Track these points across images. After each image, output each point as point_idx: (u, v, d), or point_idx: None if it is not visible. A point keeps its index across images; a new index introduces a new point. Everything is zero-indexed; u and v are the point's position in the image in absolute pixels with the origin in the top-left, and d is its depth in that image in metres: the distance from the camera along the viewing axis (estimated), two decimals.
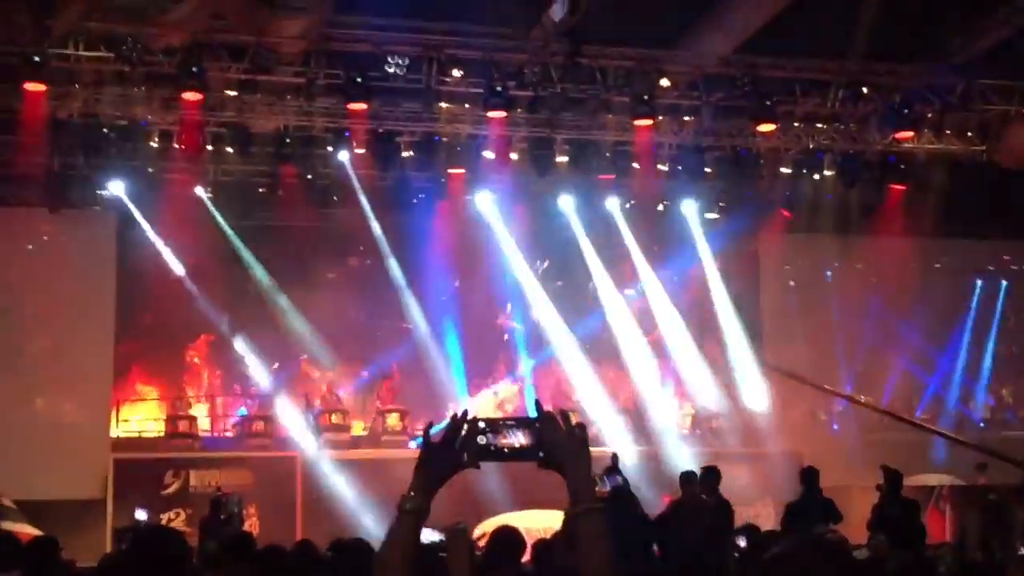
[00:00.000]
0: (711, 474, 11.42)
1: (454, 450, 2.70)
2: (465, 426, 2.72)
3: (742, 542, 7.91)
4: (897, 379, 20.50)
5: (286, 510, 16.76)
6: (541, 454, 2.70)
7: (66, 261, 17.69)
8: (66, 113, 15.60)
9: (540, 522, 15.06)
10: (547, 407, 2.72)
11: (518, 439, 2.73)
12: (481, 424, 2.74)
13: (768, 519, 16.42)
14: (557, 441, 2.67)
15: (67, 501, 16.00)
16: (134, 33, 14.42)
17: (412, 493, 2.68)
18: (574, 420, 2.72)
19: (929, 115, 17.43)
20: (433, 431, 2.78)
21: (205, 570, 8.44)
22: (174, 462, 17.05)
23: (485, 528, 13.61)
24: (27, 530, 11.93)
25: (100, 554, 13.94)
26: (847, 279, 20.78)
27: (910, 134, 17.37)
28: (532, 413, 2.77)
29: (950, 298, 21.09)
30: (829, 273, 20.77)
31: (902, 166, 18.28)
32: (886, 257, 20.02)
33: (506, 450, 2.72)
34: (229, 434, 18.56)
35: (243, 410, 18.90)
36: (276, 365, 19.15)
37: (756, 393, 19.96)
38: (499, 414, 18.38)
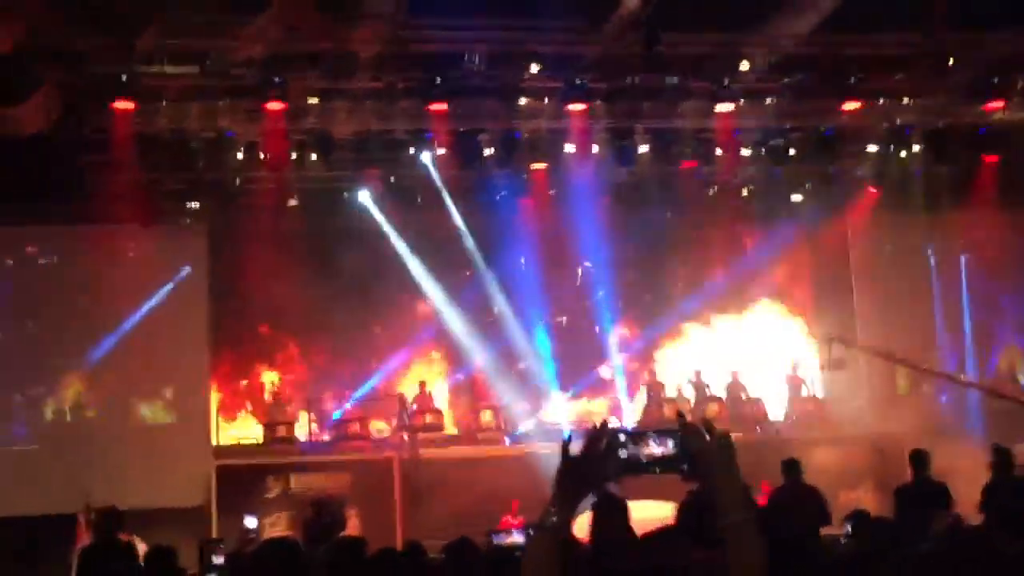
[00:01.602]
0: (793, 466, 11.23)
1: (595, 464, 2.66)
2: (605, 438, 2.68)
3: (848, 527, 7.74)
4: (1002, 354, 20.08)
5: (386, 511, 16.85)
6: (685, 466, 2.65)
7: (158, 275, 17.97)
8: (153, 129, 15.87)
9: (646, 513, 14.93)
10: (687, 417, 2.67)
11: (661, 450, 2.68)
12: (622, 437, 2.70)
13: (870, 504, 16.12)
14: (702, 451, 2.62)
15: (171, 509, 16.24)
16: (215, 47, 14.64)
17: (552, 508, 2.64)
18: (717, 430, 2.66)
19: (1019, 83, 17.01)
20: (571, 441, 2.73)
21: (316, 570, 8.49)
22: (274, 467, 17.25)
23: (583, 520, 13.54)
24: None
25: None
26: (942, 255, 20.36)
27: (1000, 104, 16.97)
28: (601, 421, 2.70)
29: None
30: (930, 251, 20.32)
31: (993, 137, 17.86)
32: (981, 231, 19.56)
33: (649, 462, 2.67)
34: (326, 438, 18.72)
35: (338, 413, 19.05)
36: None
37: (851, 375, 19.67)
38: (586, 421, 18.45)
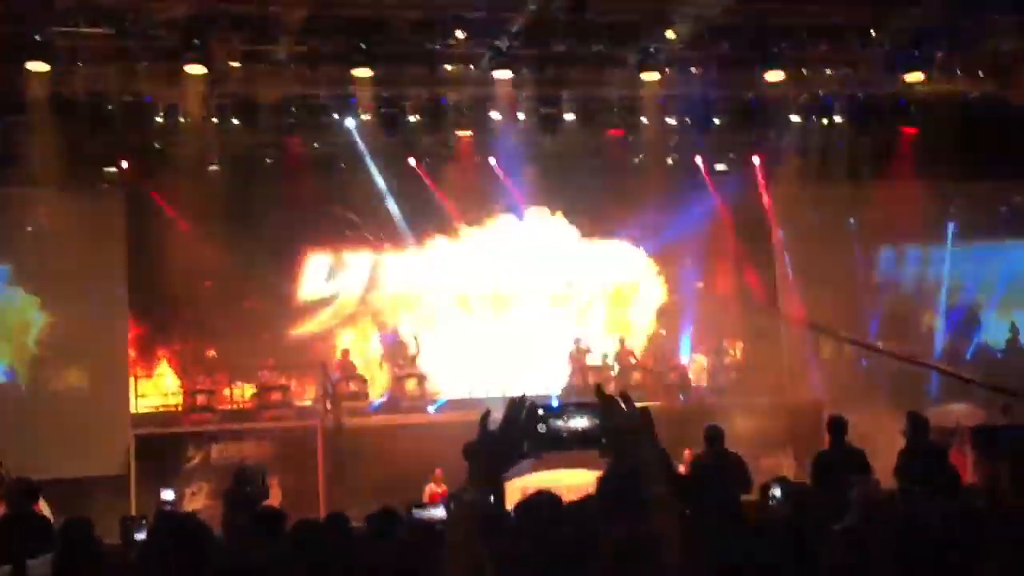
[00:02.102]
0: (714, 433, 11.30)
1: (513, 439, 2.62)
2: (524, 413, 2.64)
3: (777, 492, 7.81)
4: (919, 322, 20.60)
5: (308, 481, 16.74)
6: (604, 440, 2.62)
7: (75, 240, 17.61)
8: (70, 91, 15.48)
9: (570, 481, 14.99)
10: (608, 391, 2.64)
11: (581, 425, 2.64)
12: (541, 411, 2.65)
13: (790, 470, 16.39)
14: (620, 426, 2.59)
15: (89, 478, 16.00)
16: (134, 7, 14.30)
17: (470, 483, 2.59)
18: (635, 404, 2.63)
19: (938, 55, 17.23)
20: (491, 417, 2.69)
21: (234, 545, 8.40)
22: (195, 436, 17.05)
23: (511, 490, 13.56)
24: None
25: None
26: (862, 225, 20.70)
27: (920, 76, 17.16)
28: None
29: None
30: (852, 220, 20.64)
31: (913, 108, 18.10)
32: (901, 202, 19.88)
33: (567, 437, 2.64)
34: (248, 406, 18.53)
35: (260, 381, 18.84)
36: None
37: (773, 342, 19.96)
38: None
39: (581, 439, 2.63)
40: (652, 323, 20.76)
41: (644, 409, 2.64)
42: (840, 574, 4.43)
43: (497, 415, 2.67)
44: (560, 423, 2.64)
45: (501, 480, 2.60)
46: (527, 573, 2.98)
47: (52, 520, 9.16)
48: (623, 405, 2.60)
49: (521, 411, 2.64)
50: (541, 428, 2.63)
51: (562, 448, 2.63)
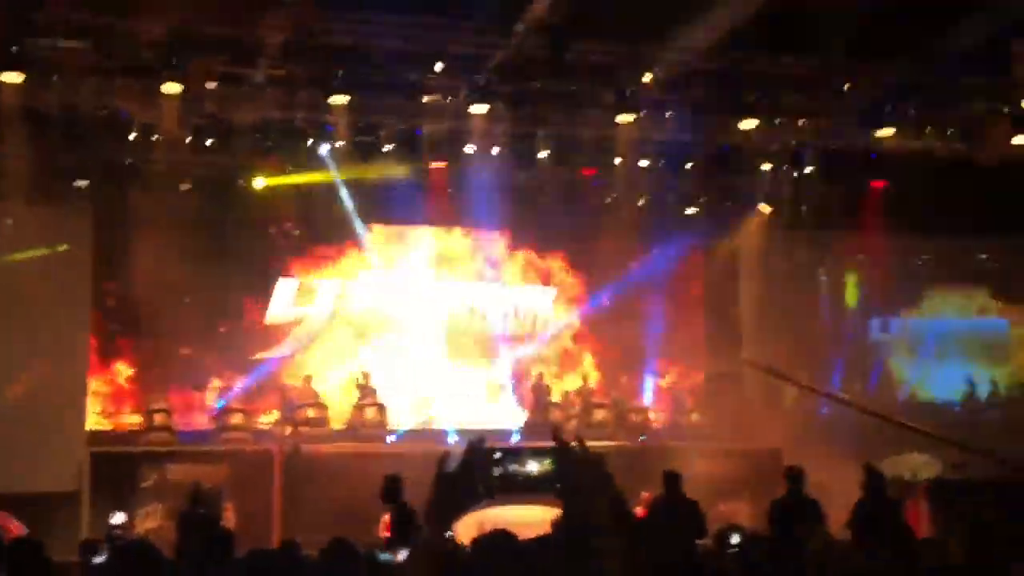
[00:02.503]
0: (672, 478, 11.32)
1: (472, 480, 2.64)
2: (482, 455, 2.67)
3: (735, 539, 7.82)
4: (881, 371, 20.79)
5: (263, 505, 16.60)
6: (558, 485, 2.65)
7: (40, 252, 17.48)
8: (43, 104, 15.41)
9: (527, 518, 14.98)
10: (563, 436, 2.66)
11: (537, 468, 2.68)
12: (497, 454, 2.69)
13: (745, 516, 16.42)
14: (574, 472, 2.61)
15: (42, 494, 15.81)
16: (115, 24, 14.29)
17: (425, 527, 2.61)
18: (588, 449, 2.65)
19: (909, 112, 17.49)
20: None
21: (185, 569, 8.32)
22: (150, 456, 16.88)
23: (467, 525, 13.51)
24: (11, 522, 11.80)
25: (76, 549, 13.95)
26: (831, 274, 20.94)
27: (891, 131, 17.40)
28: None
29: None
30: (820, 269, 20.88)
31: (883, 163, 18.33)
32: (868, 252, 20.15)
33: (522, 481, 2.67)
34: (207, 428, 18.41)
35: (221, 402, 18.75)
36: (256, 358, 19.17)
37: (732, 388, 20.06)
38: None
39: (535, 484, 2.69)
40: (615, 362, 20.80)
41: (599, 456, 2.67)
42: None
43: (456, 456, 2.70)
44: (516, 467, 2.69)
45: (454, 520, 2.62)
46: None
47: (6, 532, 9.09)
48: (578, 451, 2.63)
49: (479, 454, 2.67)
50: (497, 471, 2.68)
51: (517, 490, 2.67)
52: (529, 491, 2.85)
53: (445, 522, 2.60)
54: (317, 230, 19.54)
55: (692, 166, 18.29)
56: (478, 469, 2.66)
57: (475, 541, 5.80)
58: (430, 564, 2.54)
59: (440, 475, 2.63)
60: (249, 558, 6.23)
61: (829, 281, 20.96)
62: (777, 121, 17.64)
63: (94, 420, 18.21)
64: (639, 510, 12.58)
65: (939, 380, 21.57)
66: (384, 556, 5.96)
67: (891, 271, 20.67)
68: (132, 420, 18.36)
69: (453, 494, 2.61)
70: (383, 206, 19.09)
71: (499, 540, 5.45)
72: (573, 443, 2.66)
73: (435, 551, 2.56)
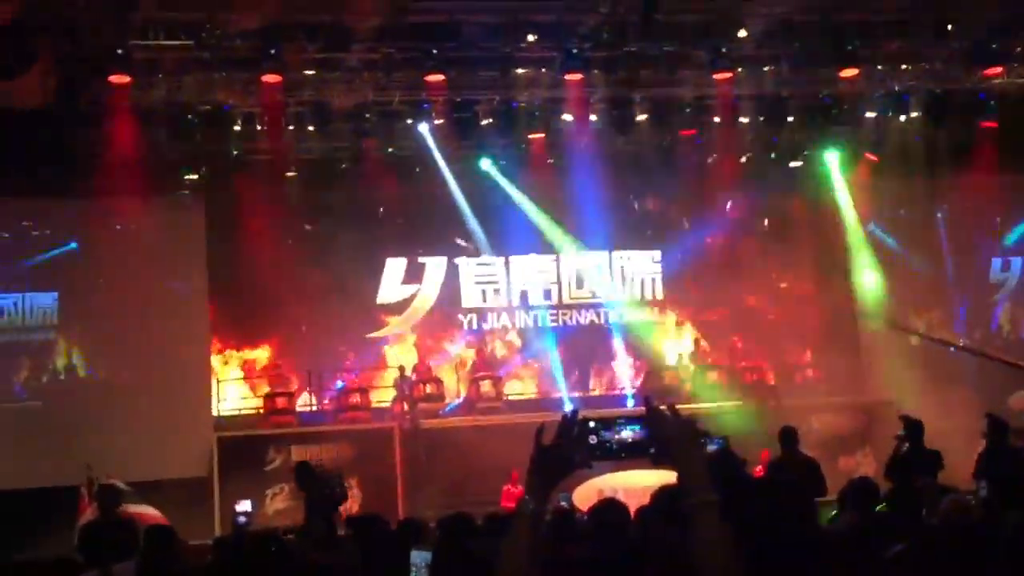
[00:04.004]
0: (789, 435, 11.19)
1: (567, 450, 2.72)
2: (576, 426, 2.74)
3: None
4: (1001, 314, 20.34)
5: (387, 482, 16.96)
6: (652, 449, 2.71)
7: (158, 246, 18.02)
8: (150, 102, 15.86)
9: (642, 482, 14.99)
10: (655, 402, 2.72)
11: (630, 436, 2.74)
12: (591, 423, 2.76)
13: (869, 468, 16.23)
14: (667, 435, 2.67)
15: (174, 480, 16.32)
16: (210, 20, 14.63)
17: (527, 497, 2.69)
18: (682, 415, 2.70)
19: (1017, 49, 16.97)
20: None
21: (311, 549, 8.58)
22: (275, 438, 17.34)
23: (584, 492, 13.60)
24: (148, 511, 12.21)
25: (209, 531, 14.43)
26: (943, 219, 20.47)
27: (999, 70, 16.91)
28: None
29: None
30: (940, 215, 20.41)
31: (992, 103, 17.83)
32: (980, 197, 19.61)
33: (617, 447, 2.74)
34: (327, 408, 18.82)
35: (340, 383, 19.14)
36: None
37: (847, 342, 19.78)
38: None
39: (630, 449, 2.74)
40: (724, 323, 20.64)
41: (690, 418, 2.72)
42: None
43: (550, 428, 2.78)
44: (610, 434, 2.74)
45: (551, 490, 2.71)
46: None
47: (143, 522, 9.46)
48: (670, 416, 2.69)
49: (573, 425, 2.75)
50: (592, 440, 2.74)
51: (612, 458, 2.74)
52: (625, 455, 2.91)
53: (543, 493, 2.69)
54: (421, 209, 19.67)
55: (793, 120, 17.95)
56: (573, 439, 2.74)
57: (591, 508, 5.91)
58: (527, 536, 2.62)
59: (538, 446, 2.71)
60: (364, 532, 6.41)
61: (945, 223, 20.43)
62: (879, 67, 17.25)
63: (219, 406, 18.72)
64: (758, 469, 12.52)
65: None
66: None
67: (1008, 211, 20.12)
68: (255, 404, 18.81)
69: (550, 465, 2.69)
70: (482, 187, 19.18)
71: (611, 506, 5.57)
72: (663, 407, 2.71)
73: (533, 523, 2.64)
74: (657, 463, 2.66)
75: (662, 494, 4.32)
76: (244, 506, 14.34)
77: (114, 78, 14.78)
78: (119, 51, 14.46)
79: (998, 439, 10.17)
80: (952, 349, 18.91)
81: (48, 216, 17.94)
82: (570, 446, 2.71)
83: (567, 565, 3.02)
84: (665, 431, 2.66)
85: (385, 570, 5.39)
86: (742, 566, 2.48)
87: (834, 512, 7.13)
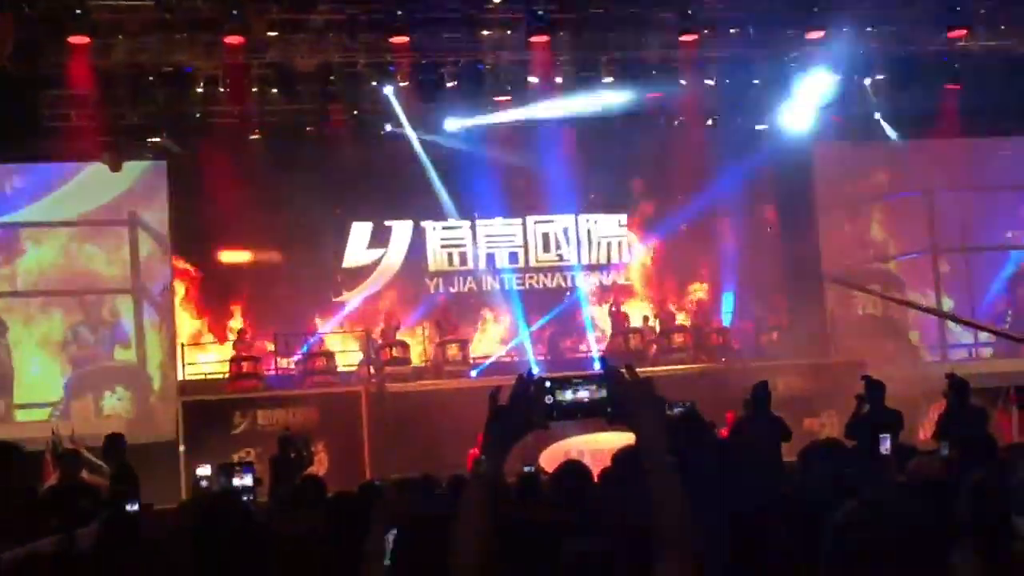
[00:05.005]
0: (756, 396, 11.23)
1: (522, 411, 2.70)
2: (532, 386, 2.72)
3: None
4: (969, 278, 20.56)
5: (353, 446, 16.94)
6: (609, 409, 2.70)
7: (121, 210, 17.87)
8: (110, 64, 15.65)
9: (608, 443, 15.08)
10: (613, 362, 2.71)
11: (587, 395, 2.73)
12: (548, 383, 2.75)
13: (833, 429, 16.36)
14: (625, 396, 2.66)
15: (139, 444, 16.22)
16: None
17: (483, 457, 2.68)
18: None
19: (982, 11, 17.02)
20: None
21: (278, 514, 8.55)
22: (241, 402, 17.26)
23: (551, 455, 13.67)
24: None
25: (175, 495, 14.37)
26: (904, 184, 20.55)
27: (963, 32, 16.95)
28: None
29: None
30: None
31: (956, 65, 17.87)
32: (943, 161, 19.71)
33: (574, 407, 2.73)
34: (293, 372, 18.75)
35: (305, 347, 19.07)
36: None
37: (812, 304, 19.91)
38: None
39: (586, 409, 2.73)
40: (694, 285, 20.72)
41: (647, 379, 2.71)
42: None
43: (506, 389, 2.77)
44: (566, 395, 2.73)
45: (507, 452, 2.69)
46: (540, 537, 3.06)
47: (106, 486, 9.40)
48: (627, 377, 2.68)
49: (528, 385, 2.73)
50: (548, 400, 2.73)
51: (568, 418, 2.73)
52: (582, 415, 2.91)
53: (499, 453, 2.67)
54: (387, 173, 19.53)
55: (759, 81, 17.93)
56: (529, 400, 2.72)
57: (554, 471, 5.92)
58: (481, 498, 2.61)
59: (492, 409, 2.70)
60: (333, 501, 6.40)
61: (905, 190, 20.57)
62: (844, 29, 17.24)
63: (184, 370, 18.62)
64: (723, 431, 12.58)
65: None
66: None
67: (967, 175, 20.25)
68: (220, 369, 18.72)
69: (504, 427, 2.68)
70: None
71: (569, 469, 5.58)
72: (621, 368, 2.70)
73: (488, 485, 2.63)
74: (613, 423, 2.66)
75: (621, 456, 4.33)
76: (204, 470, 14.26)
77: (73, 39, 14.56)
78: (78, 11, 14.23)
79: (960, 399, 10.27)
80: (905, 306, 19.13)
81: (8, 179, 17.74)
82: (526, 406, 2.70)
83: (525, 525, 3.00)
84: (622, 392, 2.65)
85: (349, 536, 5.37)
86: (700, 527, 2.48)
87: None
